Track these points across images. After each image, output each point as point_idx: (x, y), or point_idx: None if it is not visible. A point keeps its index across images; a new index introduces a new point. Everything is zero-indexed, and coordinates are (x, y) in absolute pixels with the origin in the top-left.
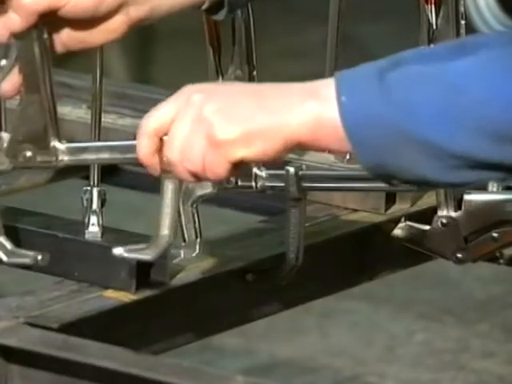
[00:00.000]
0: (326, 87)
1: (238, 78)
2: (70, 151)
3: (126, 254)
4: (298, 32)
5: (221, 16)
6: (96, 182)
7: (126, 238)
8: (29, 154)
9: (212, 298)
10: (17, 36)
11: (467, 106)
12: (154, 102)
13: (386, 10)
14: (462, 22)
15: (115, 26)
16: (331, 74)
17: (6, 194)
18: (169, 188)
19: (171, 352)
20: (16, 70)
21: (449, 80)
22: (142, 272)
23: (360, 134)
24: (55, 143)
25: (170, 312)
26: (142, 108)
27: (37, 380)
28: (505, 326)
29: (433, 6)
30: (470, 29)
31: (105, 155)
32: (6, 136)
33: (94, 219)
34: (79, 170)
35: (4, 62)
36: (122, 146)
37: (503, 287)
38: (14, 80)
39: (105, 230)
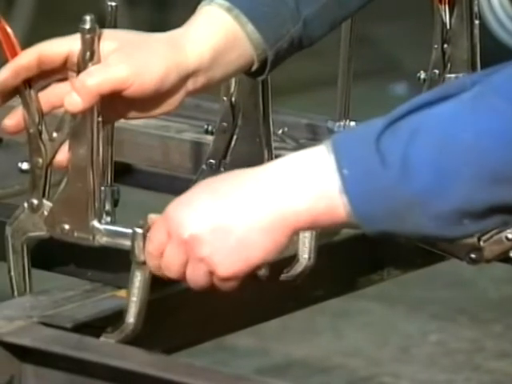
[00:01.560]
0: (326, 175)
1: (251, 81)
2: (109, 234)
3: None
4: None
5: (264, 76)
6: (109, 181)
7: None
8: (66, 227)
9: (225, 297)
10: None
11: (461, 154)
12: None
13: (400, 9)
14: (476, 22)
15: (173, 100)
16: (345, 74)
17: (19, 195)
18: (138, 279)
19: (185, 352)
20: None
21: (437, 128)
22: None
23: (365, 208)
24: (94, 223)
25: (183, 312)
26: None
27: (51, 379)
28: None
29: (447, 6)
30: (484, 28)
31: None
32: (47, 204)
33: (107, 219)
34: None
35: (55, 134)
36: None
37: None
38: (66, 152)
39: None
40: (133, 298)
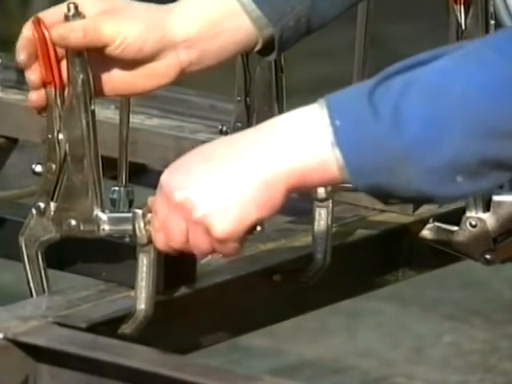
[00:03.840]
0: (318, 130)
1: (266, 81)
2: (112, 221)
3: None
4: (327, 32)
5: (272, 57)
6: (124, 182)
7: None
8: (73, 222)
9: (239, 298)
10: (67, 110)
11: (451, 105)
12: (182, 103)
13: (415, 9)
14: (492, 22)
15: (165, 70)
16: (359, 75)
17: (35, 195)
18: (144, 263)
19: (199, 352)
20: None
21: (428, 81)
22: (170, 272)
23: (355, 159)
24: (98, 213)
25: (197, 312)
26: (169, 108)
27: (65, 379)
28: None
29: (462, 6)
30: (500, 28)
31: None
32: (53, 205)
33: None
34: (107, 170)
35: (61, 136)
36: None
37: None
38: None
39: None
40: (141, 283)
